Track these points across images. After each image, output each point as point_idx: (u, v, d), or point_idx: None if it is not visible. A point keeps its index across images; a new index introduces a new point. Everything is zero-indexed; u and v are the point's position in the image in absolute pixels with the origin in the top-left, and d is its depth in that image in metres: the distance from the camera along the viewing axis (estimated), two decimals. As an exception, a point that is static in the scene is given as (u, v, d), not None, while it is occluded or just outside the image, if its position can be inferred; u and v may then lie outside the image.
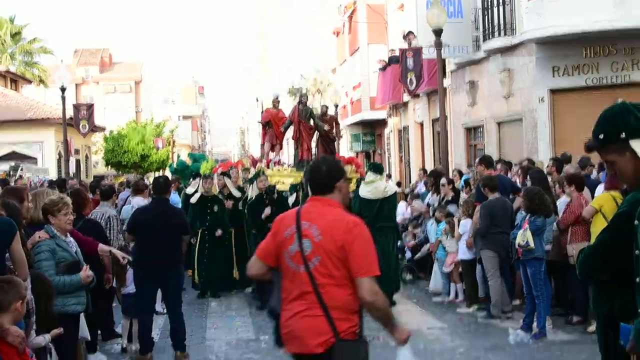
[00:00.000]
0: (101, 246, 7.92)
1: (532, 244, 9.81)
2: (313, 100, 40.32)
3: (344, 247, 4.47)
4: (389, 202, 12.76)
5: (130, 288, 9.66)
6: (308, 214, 4.68)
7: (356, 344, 4.53)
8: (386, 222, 12.56)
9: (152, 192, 11.89)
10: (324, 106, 17.03)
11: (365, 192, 12.59)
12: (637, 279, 3.54)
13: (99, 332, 9.82)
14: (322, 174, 4.78)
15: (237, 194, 14.78)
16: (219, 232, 14.00)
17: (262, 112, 16.40)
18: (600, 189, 10.63)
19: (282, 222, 4.80)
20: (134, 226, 9.52)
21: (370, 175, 12.76)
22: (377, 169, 13.02)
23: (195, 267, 13.96)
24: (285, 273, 4.69)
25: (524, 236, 9.86)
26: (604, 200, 9.76)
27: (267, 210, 12.83)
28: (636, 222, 3.55)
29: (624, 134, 3.58)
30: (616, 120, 3.64)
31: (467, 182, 13.72)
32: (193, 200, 14.21)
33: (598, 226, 9.64)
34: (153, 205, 9.87)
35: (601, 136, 3.66)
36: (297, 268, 4.59)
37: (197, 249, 13.91)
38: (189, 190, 15.55)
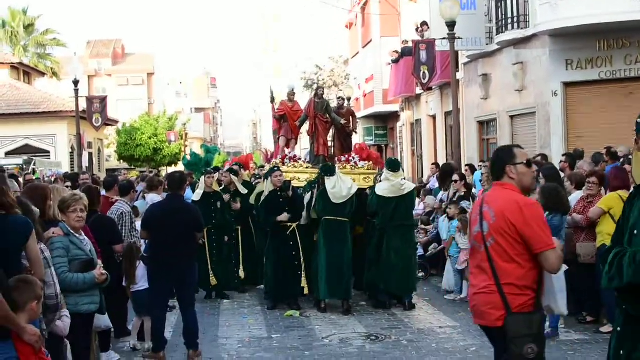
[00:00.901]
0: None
1: (550, 244, 9.65)
2: (329, 93, 40.07)
3: (516, 227, 4.91)
4: (406, 200, 12.46)
5: (140, 285, 9.54)
6: (489, 197, 5.20)
7: (528, 317, 4.91)
8: (403, 220, 12.35)
9: (166, 187, 11.87)
10: (341, 98, 16.63)
11: (381, 189, 12.32)
12: None
13: (112, 329, 9.65)
14: (493, 161, 5.35)
15: (243, 190, 14.42)
16: (226, 238, 13.74)
17: (271, 100, 15.95)
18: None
19: (474, 208, 5.40)
20: (149, 222, 9.48)
21: (387, 173, 12.45)
22: (394, 166, 12.60)
23: (210, 267, 13.53)
24: (471, 252, 5.24)
25: (542, 236, 9.69)
26: (612, 202, 9.67)
27: (285, 216, 12.31)
28: None
29: None
30: None
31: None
32: (196, 197, 13.73)
33: (604, 226, 9.62)
34: (168, 201, 9.86)
35: None
36: (479, 247, 5.10)
37: (206, 248, 13.45)
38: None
